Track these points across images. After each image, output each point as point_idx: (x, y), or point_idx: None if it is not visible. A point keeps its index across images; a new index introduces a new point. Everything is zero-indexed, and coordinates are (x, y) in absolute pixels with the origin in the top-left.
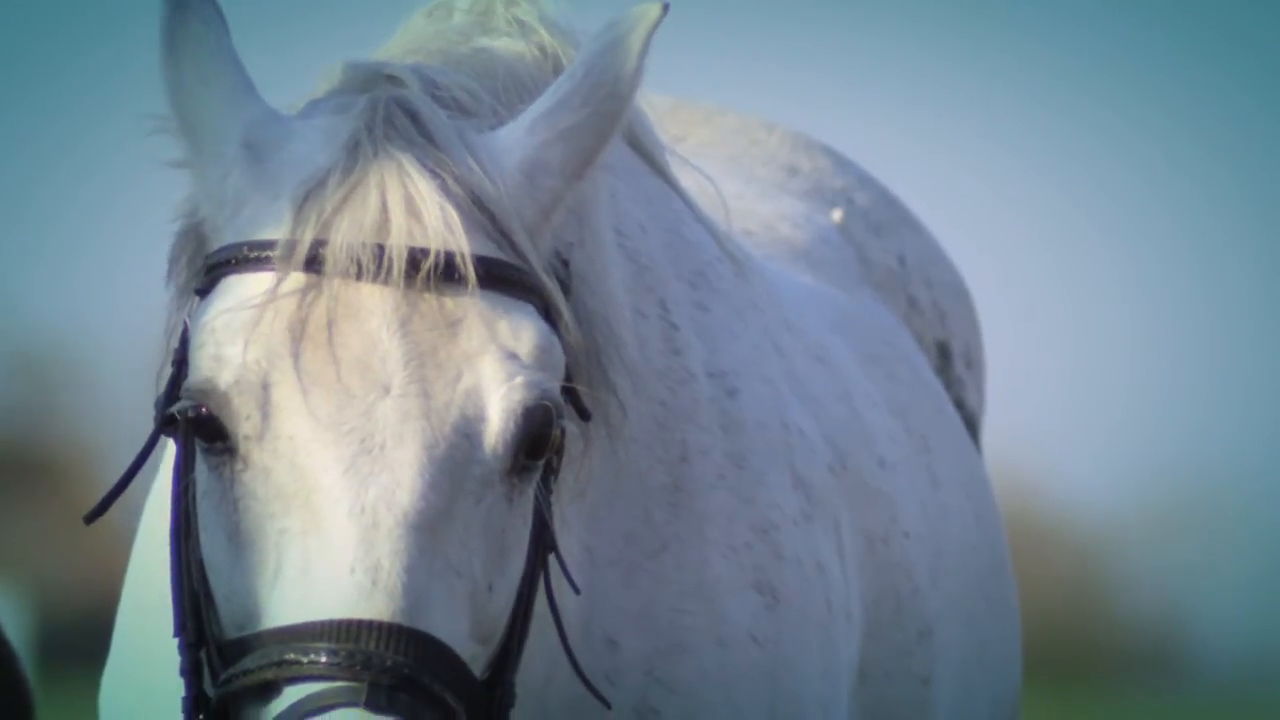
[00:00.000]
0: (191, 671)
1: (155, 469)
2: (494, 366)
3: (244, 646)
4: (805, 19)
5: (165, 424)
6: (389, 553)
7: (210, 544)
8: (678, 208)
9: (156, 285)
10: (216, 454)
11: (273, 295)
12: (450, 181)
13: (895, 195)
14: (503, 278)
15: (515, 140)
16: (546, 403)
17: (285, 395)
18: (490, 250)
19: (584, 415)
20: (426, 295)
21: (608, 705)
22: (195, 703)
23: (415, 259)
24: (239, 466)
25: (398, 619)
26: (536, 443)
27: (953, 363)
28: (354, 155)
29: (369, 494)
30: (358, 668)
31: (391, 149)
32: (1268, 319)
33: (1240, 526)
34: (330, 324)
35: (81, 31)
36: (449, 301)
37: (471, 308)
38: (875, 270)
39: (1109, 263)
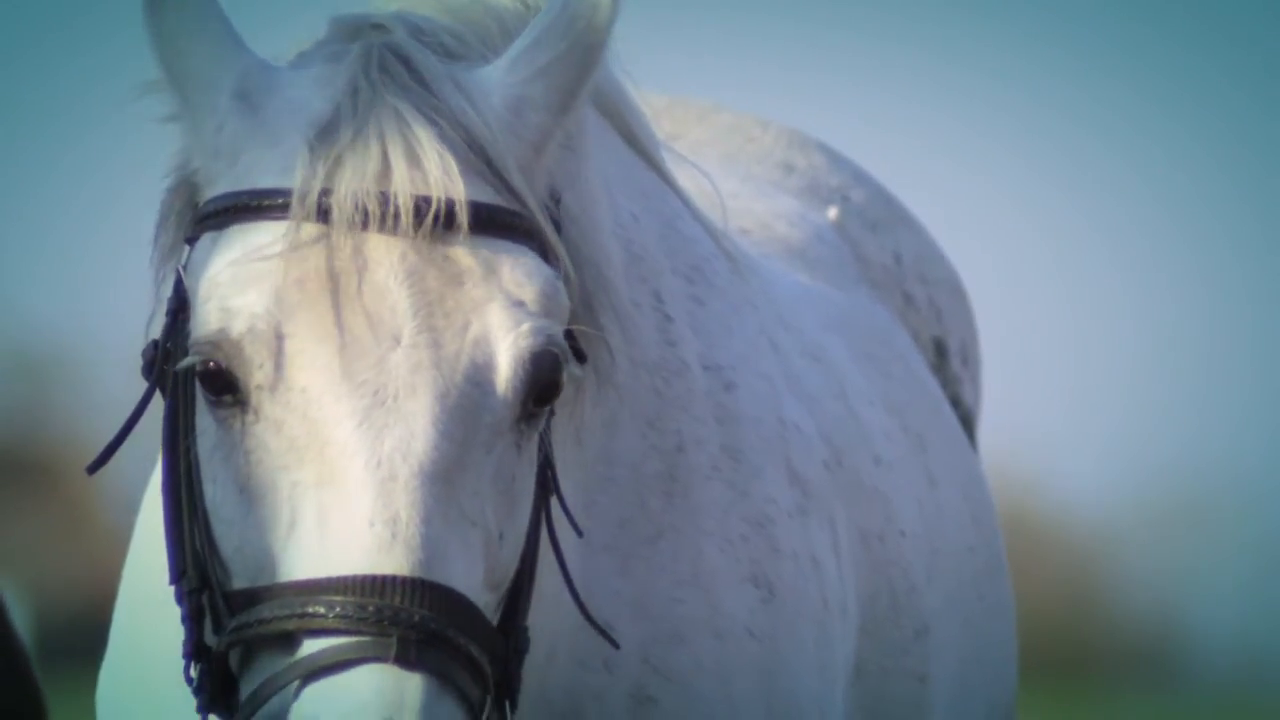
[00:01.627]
0: (193, 618)
1: (152, 463)
2: (501, 314)
3: (255, 596)
4: (801, 16)
5: (161, 377)
6: (407, 504)
7: (219, 496)
8: (673, 203)
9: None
10: (225, 407)
11: (281, 246)
12: (447, 127)
13: (891, 192)
14: (504, 223)
15: (498, 79)
16: (553, 349)
17: (297, 347)
18: (489, 196)
19: (580, 357)
20: (431, 244)
21: (615, 645)
22: (197, 648)
23: (419, 208)
24: (250, 419)
25: (418, 572)
26: (544, 389)
27: (949, 360)
28: (352, 102)
29: (384, 446)
30: (385, 623)
31: (387, 96)
32: (1266, 320)
33: (1237, 527)
34: (339, 275)
35: (81, 31)
36: (453, 249)
37: (475, 255)
38: (871, 268)
39: (1107, 261)
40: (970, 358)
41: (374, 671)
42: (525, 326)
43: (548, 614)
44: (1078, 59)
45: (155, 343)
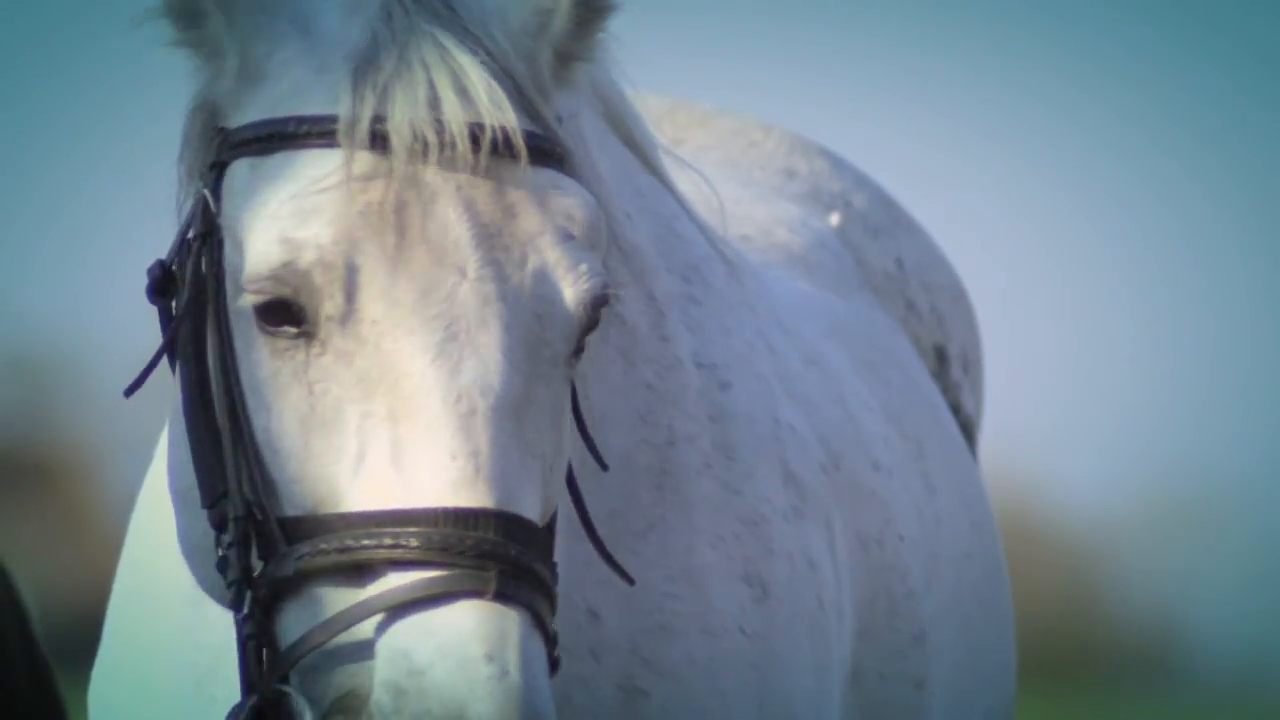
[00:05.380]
0: (243, 544)
1: (148, 462)
2: (556, 249)
3: (323, 524)
4: (804, 19)
5: (166, 297)
6: (487, 439)
7: (276, 427)
8: (670, 205)
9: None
10: (285, 339)
11: (341, 176)
12: (483, 55)
13: (893, 197)
14: (544, 151)
15: (494, 5)
16: (608, 290)
17: (366, 279)
18: (527, 123)
19: None
20: (484, 174)
21: (630, 580)
22: (245, 574)
23: (475, 136)
24: (315, 351)
25: (500, 506)
26: (592, 327)
27: (950, 367)
28: (389, 28)
29: (462, 380)
30: (485, 557)
31: (422, 22)
32: (1266, 321)
33: (1237, 529)
34: (401, 207)
35: (80, 32)
36: (503, 179)
37: (524, 185)
38: (873, 274)
39: (1107, 264)
40: (971, 364)
41: (473, 606)
42: (584, 267)
43: None
44: (1080, 63)
45: (161, 263)
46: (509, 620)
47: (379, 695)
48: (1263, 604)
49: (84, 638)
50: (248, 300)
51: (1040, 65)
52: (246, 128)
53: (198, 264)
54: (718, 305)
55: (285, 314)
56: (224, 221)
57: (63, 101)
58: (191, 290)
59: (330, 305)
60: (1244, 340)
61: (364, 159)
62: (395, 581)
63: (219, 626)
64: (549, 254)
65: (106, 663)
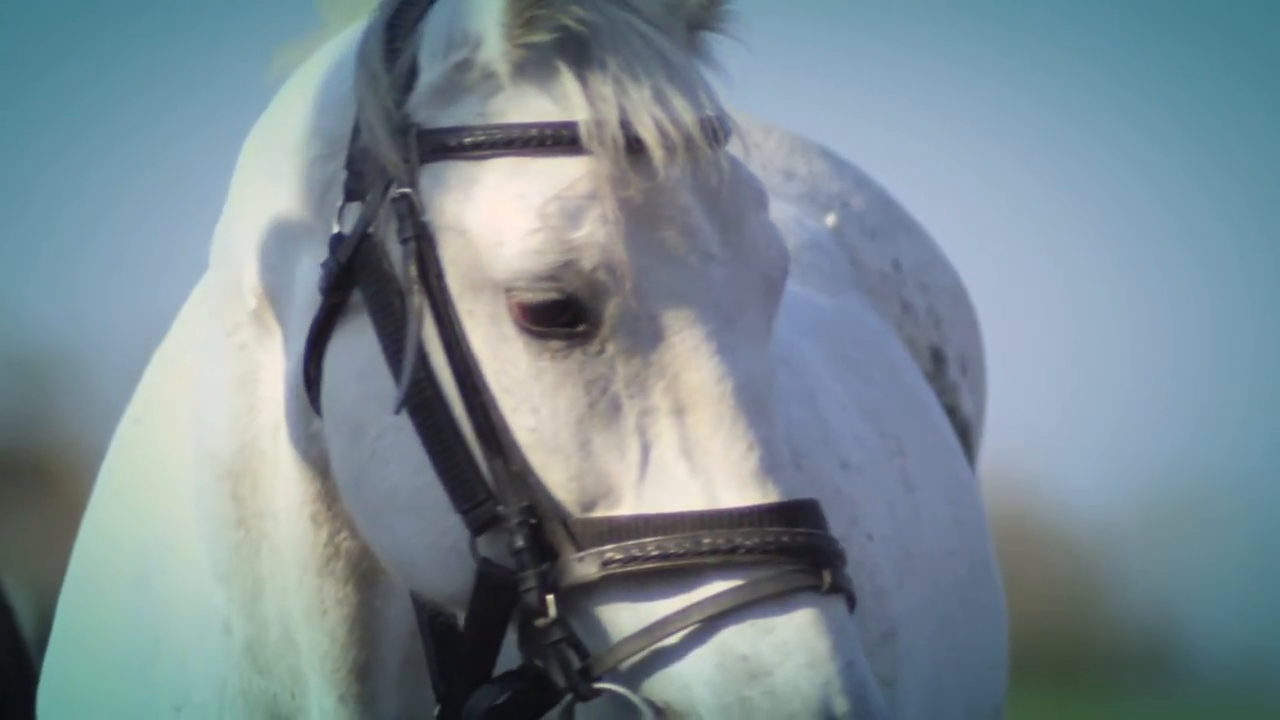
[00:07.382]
0: (533, 549)
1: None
2: (757, 221)
3: (621, 528)
4: (802, 18)
5: (337, 290)
6: (771, 426)
7: (547, 427)
8: None
9: (154, 287)
10: (558, 339)
11: (598, 179)
12: (670, 38)
13: (893, 198)
14: (730, 134)
15: None
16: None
17: (641, 275)
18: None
19: None
20: (706, 161)
21: None
22: (542, 578)
23: (703, 127)
24: (595, 349)
25: (796, 494)
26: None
27: (947, 368)
28: (588, 19)
29: (742, 368)
30: (814, 551)
31: (613, 8)
32: (1266, 322)
33: (1236, 529)
34: (652, 201)
35: (81, 32)
36: (720, 165)
37: (730, 168)
38: (868, 275)
39: (1108, 265)
40: (970, 366)
41: (811, 600)
42: (777, 233)
43: None
44: (1080, 63)
45: (335, 259)
46: (843, 610)
47: (716, 704)
48: (1263, 604)
49: None
50: (520, 299)
51: (1040, 65)
52: (463, 130)
53: (415, 263)
54: None
55: (556, 313)
56: (437, 219)
57: (63, 101)
58: (412, 291)
59: (614, 303)
60: (1243, 340)
61: (616, 160)
62: (721, 585)
63: (164, 609)
64: (755, 226)
65: (62, 645)
